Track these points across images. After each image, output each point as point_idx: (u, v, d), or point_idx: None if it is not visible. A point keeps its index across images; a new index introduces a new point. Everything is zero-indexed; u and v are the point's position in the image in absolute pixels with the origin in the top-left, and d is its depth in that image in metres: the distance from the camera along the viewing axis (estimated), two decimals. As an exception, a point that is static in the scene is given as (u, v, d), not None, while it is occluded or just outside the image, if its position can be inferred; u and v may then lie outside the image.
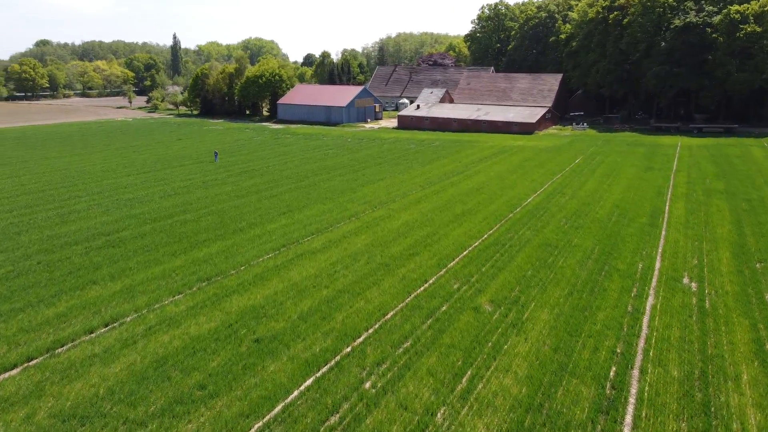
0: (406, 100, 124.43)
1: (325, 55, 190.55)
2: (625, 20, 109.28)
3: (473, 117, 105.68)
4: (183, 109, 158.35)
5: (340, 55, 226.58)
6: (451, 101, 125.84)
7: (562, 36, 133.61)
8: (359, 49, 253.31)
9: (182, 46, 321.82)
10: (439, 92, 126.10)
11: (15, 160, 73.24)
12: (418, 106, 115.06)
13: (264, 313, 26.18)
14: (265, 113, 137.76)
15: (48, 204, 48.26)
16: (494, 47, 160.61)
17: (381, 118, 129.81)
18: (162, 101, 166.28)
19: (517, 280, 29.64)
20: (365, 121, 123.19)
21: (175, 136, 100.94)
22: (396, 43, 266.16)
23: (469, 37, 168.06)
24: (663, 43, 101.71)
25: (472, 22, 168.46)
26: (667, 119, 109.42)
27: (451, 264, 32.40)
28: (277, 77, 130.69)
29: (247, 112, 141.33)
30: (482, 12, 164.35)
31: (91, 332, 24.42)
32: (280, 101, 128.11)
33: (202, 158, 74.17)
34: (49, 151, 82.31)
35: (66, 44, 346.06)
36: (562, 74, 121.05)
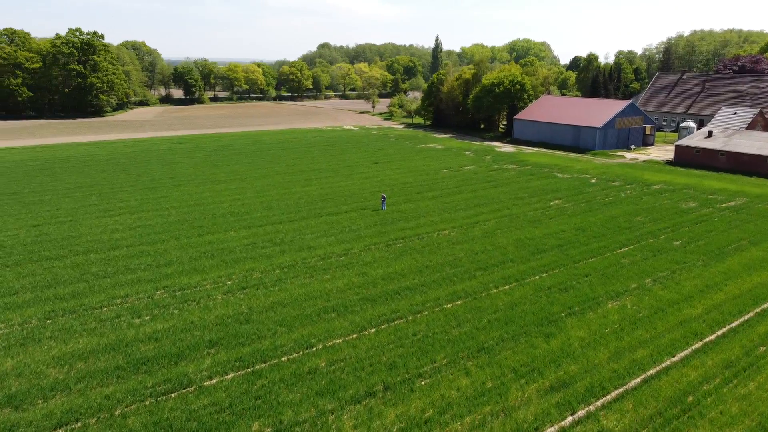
0: (691, 123, 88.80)
1: (592, 58, 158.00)
2: None
3: (805, 156, 67.32)
4: (417, 118, 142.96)
5: (611, 58, 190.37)
6: (767, 127, 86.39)
7: None
8: (639, 51, 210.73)
9: (444, 48, 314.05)
10: (746, 113, 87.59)
11: (166, 184, 62.44)
12: (710, 133, 79.45)
13: None
14: (500, 129, 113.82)
15: (68, 285, 32.45)
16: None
17: (651, 144, 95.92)
18: (398, 108, 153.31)
19: None
20: (627, 148, 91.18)
21: (377, 156, 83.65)
22: (688, 43, 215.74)
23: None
24: None
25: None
26: None
27: None
28: (517, 86, 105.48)
29: (481, 126, 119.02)
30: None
31: None
32: (518, 116, 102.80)
33: (370, 202, 54.26)
34: (221, 170, 71.05)
35: (342, 47, 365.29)
36: None
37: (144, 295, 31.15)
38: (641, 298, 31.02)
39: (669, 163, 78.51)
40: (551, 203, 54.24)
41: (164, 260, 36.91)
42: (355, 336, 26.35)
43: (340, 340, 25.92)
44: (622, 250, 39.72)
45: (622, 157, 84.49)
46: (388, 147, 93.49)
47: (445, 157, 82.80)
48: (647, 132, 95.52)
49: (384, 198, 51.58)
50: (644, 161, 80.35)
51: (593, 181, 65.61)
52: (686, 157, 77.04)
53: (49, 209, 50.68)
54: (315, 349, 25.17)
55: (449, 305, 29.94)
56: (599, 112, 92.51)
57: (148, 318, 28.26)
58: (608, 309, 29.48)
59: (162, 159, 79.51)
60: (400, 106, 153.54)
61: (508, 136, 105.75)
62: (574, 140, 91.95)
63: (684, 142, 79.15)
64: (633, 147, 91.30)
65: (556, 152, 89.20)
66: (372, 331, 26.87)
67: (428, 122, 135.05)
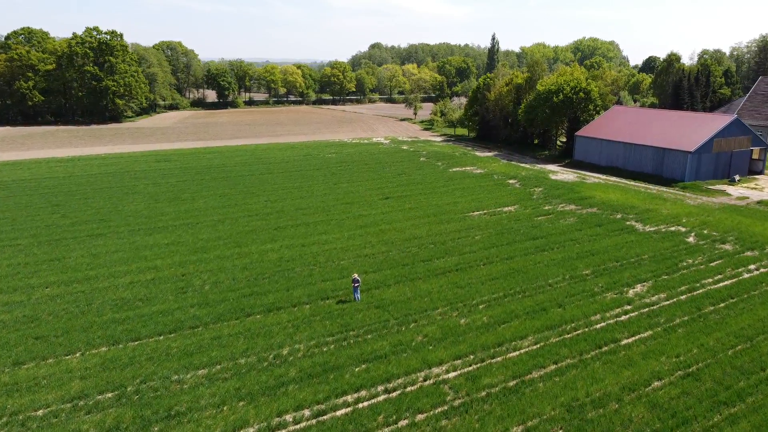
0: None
1: (673, 59, 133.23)
2: None
3: None
4: (461, 129, 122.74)
5: (695, 59, 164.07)
6: None
7: None
8: (726, 51, 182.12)
9: (503, 48, 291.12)
10: None
11: (81, 234, 45.53)
12: None
13: None
14: (558, 146, 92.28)
15: None
16: None
17: (761, 172, 72.53)
18: (440, 116, 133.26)
19: None
20: (730, 179, 68.36)
21: (393, 185, 64.78)
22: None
23: None
24: None
25: None
26: None
27: None
28: (581, 94, 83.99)
29: (535, 141, 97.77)
30: None
31: None
32: (580, 132, 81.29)
33: (343, 281, 35.45)
34: (178, 207, 53.97)
35: (393, 47, 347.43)
36: None
37: None
38: None
39: (796, 205, 55.94)
40: (630, 292, 33.84)
41: None
42: None
43: None
44: (789, 454, 19.36)
45: (725, 193, 62.15)
46: (413, 171, 74.24)
47: (481, 190, 62.84)
48: (756, 156, 72.41)
49: (357, 283, 32.48)
50: (759, 201, 57.88)
51: (690, 239, 44.42)
52: (824, 200, 54.30)
53: None
54: None
55: None
56: (691, 129, 70.12)
57: None
58: None
59: (121, 187, 63.18)
60: (442, 114, 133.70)
61: (567, 157, 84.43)
62: (656, 167, 69.94)
63: (819, 176, 56.26)
64: (737, 177, 68.30)
65: (631, 183, 67.52)
66: None
67: (472, 134, 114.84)
